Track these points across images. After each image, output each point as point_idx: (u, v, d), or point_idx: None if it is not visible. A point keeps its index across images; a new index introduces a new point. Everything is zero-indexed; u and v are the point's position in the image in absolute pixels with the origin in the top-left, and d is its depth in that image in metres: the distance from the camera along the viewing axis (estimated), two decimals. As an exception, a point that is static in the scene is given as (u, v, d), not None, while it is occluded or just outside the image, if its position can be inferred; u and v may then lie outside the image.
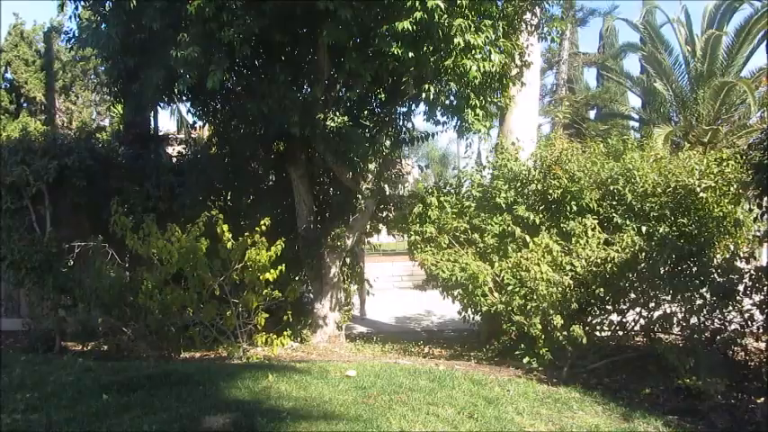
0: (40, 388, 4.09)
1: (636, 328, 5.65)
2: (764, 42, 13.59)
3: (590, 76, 28.33)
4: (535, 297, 5.30)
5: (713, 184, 5.60)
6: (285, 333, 6.22)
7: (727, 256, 5.22)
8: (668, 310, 5.24)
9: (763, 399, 4.69)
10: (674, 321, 5.18)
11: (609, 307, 5.65)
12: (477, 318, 6.47)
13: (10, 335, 7.24)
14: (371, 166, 6.91)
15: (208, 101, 7.06)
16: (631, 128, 17.97)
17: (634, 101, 19.84)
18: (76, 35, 6.24)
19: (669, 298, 5.23)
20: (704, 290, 5.11)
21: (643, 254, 5.20)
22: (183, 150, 8.31)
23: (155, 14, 5.19)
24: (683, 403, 4.65)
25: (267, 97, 5.85)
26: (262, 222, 5.71)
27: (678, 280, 5.13)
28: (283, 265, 5.75)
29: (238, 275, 5.69)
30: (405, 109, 7.09)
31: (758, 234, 5.74)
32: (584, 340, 5.05)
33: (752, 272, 5.04)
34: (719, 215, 5.64)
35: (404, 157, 8.76)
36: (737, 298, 5.02)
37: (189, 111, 7.50)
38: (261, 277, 5.65)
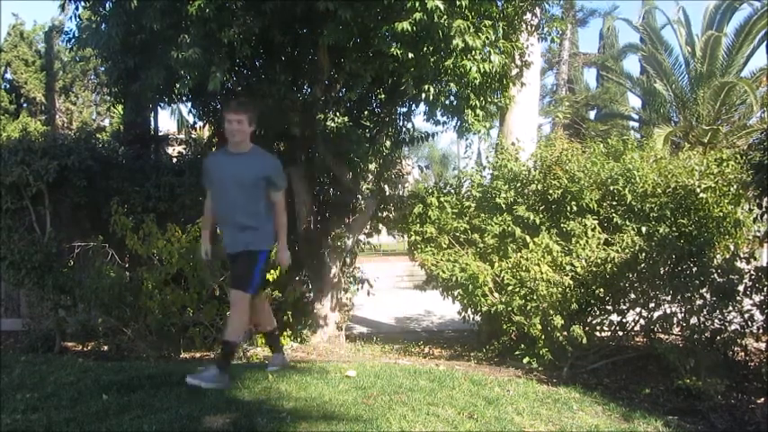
0: (40, 388, 4.09)
1: (636, 329, 5.65)
2: (764, 43, 13.61)
3: (590, 76, 28.34)
4: (535, 297, 5.31)
5: (713, 185, 5.60)
6: (285, 333, 6.22)
7: (727, 256, 5.22)
8: (668, 311, 5.24)
9: (763, 399, 4.70)
10: (674, 321, 5.18)
11: (609, 307, 5.66)
12: (477, 318, 6.48)
13: (10, 335, 7.23)
14: (372, 167, 6.91)
15: (208, 101, 7.06)
16: (631, 128, 18.00)
17: (634, 101, 19.87)
18: (77, 35, 6.23)
19: (669, 298, 5.23)
20: (704, 290, 5.11)
21: (643, 254, 5.20)
22: (184, 150, 8.31)
23: (155, 15, 5.19)
24: (683, 403, 4.66)
25: (267, 97, 5.85)
26: (262, 222, 5.69)
27: (678, 280, 5.14)
28: (283, 265, 5.74)
29: (238, 276, 5.68)
30: (405, 109, 7.10)
31: (758, 234, 5.74)
32: (585, 340, 5.06)
33: (752, 272, 5.04)
34: (719, 215, 5.64)
35: (404, 157, 8.76)
36: (737, 298, 5.01)
37: (190, 111, 7.51)
38: (261, 277, 5.64)
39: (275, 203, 4.12)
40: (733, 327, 5.06)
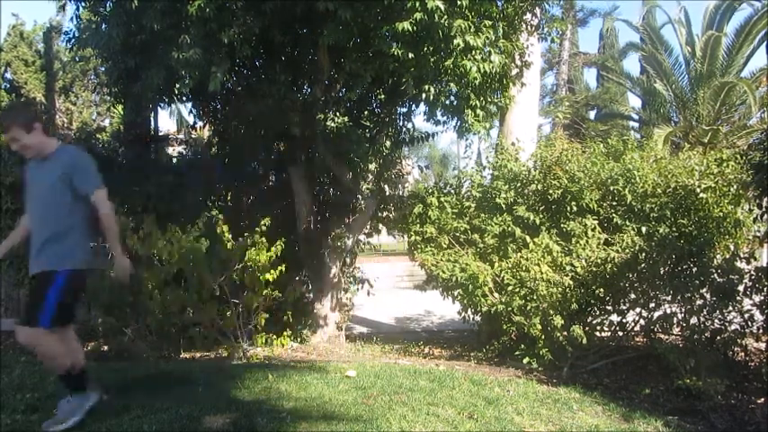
0: (40, 388, 4.09)
1: (636, 329, 5.65)
2: (764, 43, 13.61)
3: (590, 76, 28.38)
4: (535, 297, 5.31)
5: (713, 185, 5.60)
6: (285, 333, 6.22)
7: (727, 256, 5.22)
8: (668, 311, 5.24)
9: (763, 399, 4.70)
10: (674, 321, 5.18)
11: (609, 307, 5.66)
12: (478, 318, 6.48)
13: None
14: (372, 167, 6.92)
15: (208, 101, 7.07)
16: (631, 128, 17.99)
17: (634, 101, 19.87)
18: (76, 35, 6.24)
19: (669, 298, 5.23)
20: (704, 290, 5.11)
21: (643, 254, 5.20)
22: (183, 150, 8.32)
23: (156, 15, 5.19)
24: (683, 403, 4.66)
25: (267, 97, 5.86)
26: (262, 222, 5.71)
27: (678, 280, 5.14)
28: (283, 265, 5.75)
29: (238, 276, 5.69)
30: (405, 109, 7.11)
31: (758, 234, 5.74)
32: (585, 340, 5.06)
33: (752, 272, 5.04)
34: (719, 216, 5.65)
35: (404, 157, 8.77)
36: (737, 298, 5.02)
37: (190, 111, 7.52)
38: (261, 278, 5.65)
39: (98, 209, 3.22)
40: (733, 327, 5.06)
